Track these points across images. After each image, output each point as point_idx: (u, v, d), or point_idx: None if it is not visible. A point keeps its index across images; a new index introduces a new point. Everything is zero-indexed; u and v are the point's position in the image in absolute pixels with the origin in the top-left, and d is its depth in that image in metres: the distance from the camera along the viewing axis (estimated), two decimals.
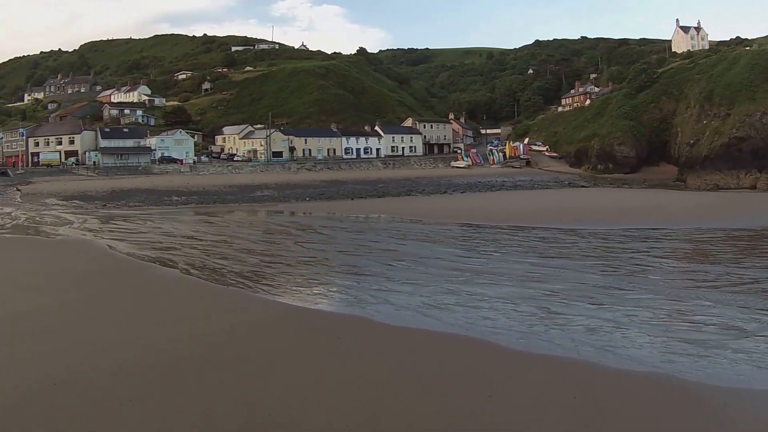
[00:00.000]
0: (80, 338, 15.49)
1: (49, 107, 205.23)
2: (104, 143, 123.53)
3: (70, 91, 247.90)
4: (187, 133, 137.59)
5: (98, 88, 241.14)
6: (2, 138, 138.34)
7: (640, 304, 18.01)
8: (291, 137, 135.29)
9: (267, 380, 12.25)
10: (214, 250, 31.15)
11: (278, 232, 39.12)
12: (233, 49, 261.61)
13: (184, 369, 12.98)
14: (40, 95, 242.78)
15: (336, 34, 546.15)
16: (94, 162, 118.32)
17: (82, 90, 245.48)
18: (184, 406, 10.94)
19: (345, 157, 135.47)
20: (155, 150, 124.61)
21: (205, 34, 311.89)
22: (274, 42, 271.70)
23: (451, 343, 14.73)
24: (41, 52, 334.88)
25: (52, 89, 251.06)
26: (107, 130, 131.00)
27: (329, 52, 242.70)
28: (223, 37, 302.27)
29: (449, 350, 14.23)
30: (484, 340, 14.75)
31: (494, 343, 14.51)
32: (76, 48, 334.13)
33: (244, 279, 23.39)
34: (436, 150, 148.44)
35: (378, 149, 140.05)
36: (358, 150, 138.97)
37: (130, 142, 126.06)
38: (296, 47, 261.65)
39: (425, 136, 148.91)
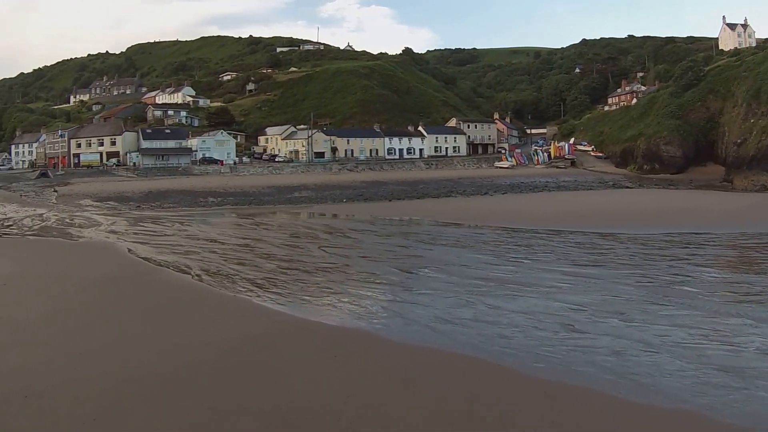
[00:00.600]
0: (66, 349, 14.86)
1: (94, 109, 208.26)
2: (145, 144, 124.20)
3: (115, 93, 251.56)
4: (228, 134, 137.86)
5: (144, 89, 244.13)
6: (45, 139, 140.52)
7: (674, 321, 16.22)
8: (333, 138, 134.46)
9: (235, 402, 11.11)
10: (234, 254, 30.09)
11: (305, 236, 37.93)
12: (278, 50, 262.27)
13: (152, 386, 12.18)
14: (85, 97, 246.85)
15: (384, 35, 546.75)
16: (134, 163, 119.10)
17: (128, 92, 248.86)
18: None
19: (387, 157, 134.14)
20: (196, 151, 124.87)
21: (251, 36, 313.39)
22: (319, 43, 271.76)
23: (457, 365, 13.31)
24: (88, 55, 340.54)
25: (98, 91, 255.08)
26: (149, 131, 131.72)
27: (375, 53, 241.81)
28: (269, 38, 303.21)
29: (453, 373, 12.83)
30: (494, 364, 13.26)
31: (505, 367, 13.01)
32: (123, 50, 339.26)
33: (255, 287, 22.30)
34: (480, 150, 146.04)
35: (421, 149, 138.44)
36: (400, 150, 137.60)
37: (171, 143, 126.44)
38: (342, 48, 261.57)
39: (469, 136, 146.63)
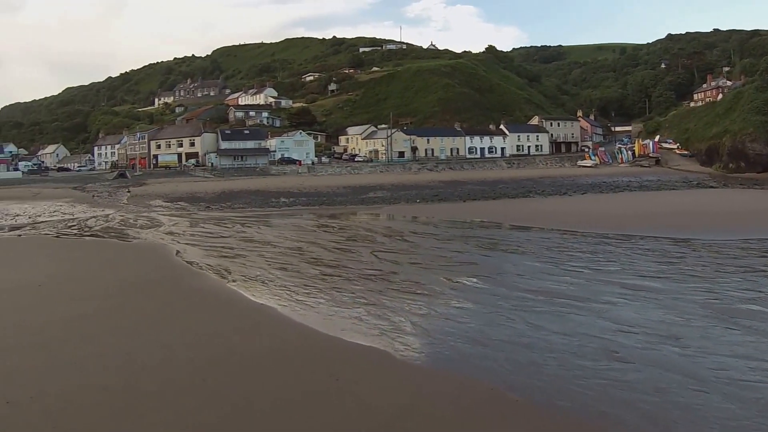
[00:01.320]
0: (60, 357, 14.48)
1: (176, 111, 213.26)
2: (224, 145, 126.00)
3: (199, 95, 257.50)
4: (308, 134, 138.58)
5: (227, 91, 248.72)
6: (126, 141, 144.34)
7: (736, 350, 13.93)
8: (413, 137, 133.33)
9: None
10: (281, 258, 29.04)
11: (362, 239, 36.52)
12: (361, 50, 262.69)
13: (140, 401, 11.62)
14: (169, 99, 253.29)
15: (469, 34, 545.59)
16: (212, 164, 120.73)
17: (212, 93, 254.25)
18: None
19: (468, 156, 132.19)
20: (275, 151, 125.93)
21: (334, 36, 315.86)
22: (402, 42, 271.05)
23: (471, 395, 11.66)
24: (174, 59, 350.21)
25: (182, 93, 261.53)
26: (228, 132, 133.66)
27: (459, 51, 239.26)
28: (352, 38, 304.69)
29: (466, 404, 11.20)
30: (511, 398, 11.49)
31: (521, 402, 11.25)
32: (209, 53, 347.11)
33: (288, 294, 21.31)
34: (563, 149, 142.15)
35: (503, 148, 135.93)
36: (482, 149, 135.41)
37: (250, 144, 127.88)
38: (425, 47, 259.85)
39: (552, 135, 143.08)
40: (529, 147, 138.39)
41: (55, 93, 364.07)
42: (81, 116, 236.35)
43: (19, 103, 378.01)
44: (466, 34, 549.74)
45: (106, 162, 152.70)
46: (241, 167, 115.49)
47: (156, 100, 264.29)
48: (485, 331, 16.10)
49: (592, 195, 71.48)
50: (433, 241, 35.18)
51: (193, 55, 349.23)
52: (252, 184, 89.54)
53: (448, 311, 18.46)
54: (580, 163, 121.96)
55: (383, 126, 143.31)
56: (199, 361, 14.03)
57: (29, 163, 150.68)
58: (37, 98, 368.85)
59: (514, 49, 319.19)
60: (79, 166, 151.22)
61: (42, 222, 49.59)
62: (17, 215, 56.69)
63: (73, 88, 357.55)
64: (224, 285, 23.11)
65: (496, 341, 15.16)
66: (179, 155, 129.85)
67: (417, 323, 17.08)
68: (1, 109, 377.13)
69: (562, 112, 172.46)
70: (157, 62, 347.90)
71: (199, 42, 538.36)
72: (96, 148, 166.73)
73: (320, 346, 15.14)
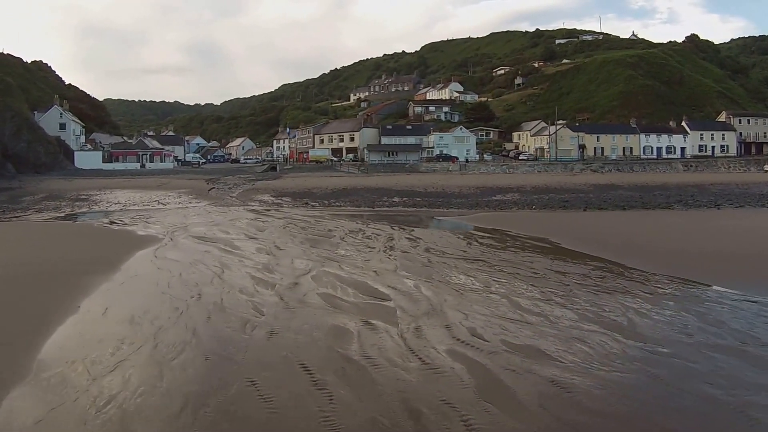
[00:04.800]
0: None
1: (362, 105, 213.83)
2: (384, 140, 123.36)
3: (393, 90, 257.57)
4: (482, 130, 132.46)
5: (421, 86, 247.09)
6: (295, 136, 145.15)
7: None
8: (581, 134, 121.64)
9: None
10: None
11: (384, 253, 28.32)
12: (556, 42, 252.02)
13: None
14: (365, 94, 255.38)
15: (693, 25, 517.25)
16: (362, 159, 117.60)
17: (405, 88, 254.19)
18: None
19: (643, 157, 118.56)
20: (433, 148, 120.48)
21: (537, 29, 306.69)
22: (599, 33, 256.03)
23: None
24: (384, 55, 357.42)
25: (376, 89, 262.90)
26: (389, 127, 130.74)
27: (665, 42, 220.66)
28: (553, 30, 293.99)
29: None
30: None
31: None
32: (417, 49, 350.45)
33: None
34: (753, 150, 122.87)
35: (683, 148, 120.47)
36: (658, 149, 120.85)
37: (411, 139, 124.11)
38: (623, 37, 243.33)
39: (741, 133, 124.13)
40: (713, 147, 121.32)
41: (272, 89, 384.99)
42: (275, 111, 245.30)
43: (238, 99, 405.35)
44: (687, 25, 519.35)
45: (283, 155, 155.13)
46: (391, 163, 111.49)
47: (351, 95, 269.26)
48: None
49: (749, 210, 53.97)
50: (465, 265, 25.89)
51: (403, 51, 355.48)
52: (385, 181, 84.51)
53: None
54: (766, 167, 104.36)
55: (561, 122, 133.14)
56: None
57: (196, 155, 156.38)
58: (256, 94, 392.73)
59: (732, 39, 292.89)
60: (245, 159, 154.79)
61: (123, 210, 49.43)
62: (116, 203, 56.89)
63: (288, 84, 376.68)
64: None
65: None
66: (340, 150, 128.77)
67: None
68: (222, 104, 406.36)
69: (762, 108, 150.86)
70: (367, 59, 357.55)
71: (413, 37, 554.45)
72: (275, 142, 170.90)
73: None
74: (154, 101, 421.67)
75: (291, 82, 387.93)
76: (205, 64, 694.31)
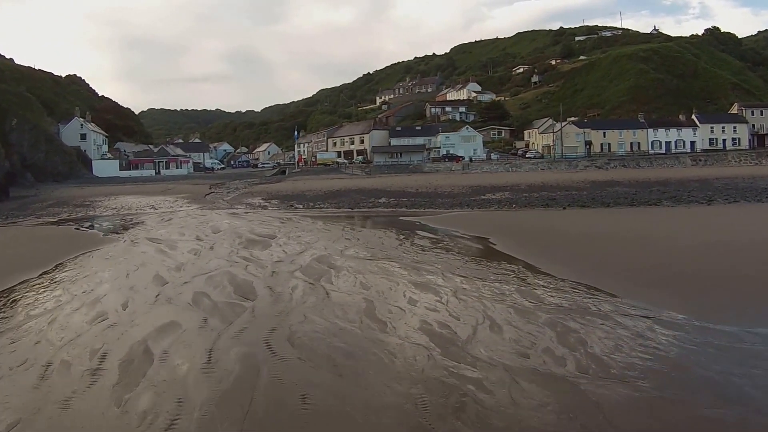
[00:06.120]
0: None
1: (383, 108, 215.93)
2: (393, 141, 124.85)
3: (416, 92, 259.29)
4: (493, 129, 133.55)
5: (444, 87, 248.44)
6: (297, 139, 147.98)
7: None
8: (586, 130, 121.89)
9: None
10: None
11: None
12: (576, 39, 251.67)
13: None
14: (390, 97, 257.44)
15: (724, 19, 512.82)
16: (370, 161, 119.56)
17: (428, 90, 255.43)
18: None
19: (651, 152, 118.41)
20: (440, 148, 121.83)
21: (561, 27, 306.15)
22: (618, 28, 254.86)
23: None
24: (415, 57, 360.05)
25: (400, 91, 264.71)
26: (398, 129, 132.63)
27: (689, 35, 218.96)
28: (575, 28, 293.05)
29: None
30: None
31: None
32: (447, 51, 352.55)
33: None
34: (766, 142, 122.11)
35: (692, 142, 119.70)
36: (667, 144, 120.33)
37: (419, 140, 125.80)
38: (644, 32, 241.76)
39: (753, 126, 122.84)
40: (724, 140, 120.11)
41: (310, 95, 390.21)
42: (303, 116, 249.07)
43: (278, 105, 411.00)
44: (719, 19, 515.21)
45: (313, 159, 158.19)
46: (395, 164, 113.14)
47: (377, 98, 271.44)
48: None
49: (741, 206, 51.55)
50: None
51: (433, 53, 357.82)
52: (383, 182, 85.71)
53: None
54: None
55: (573, 118, 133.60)
56: None
57: (216, 161, 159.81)
58: (295, 100, 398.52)
59: (759, 32, 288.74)
60: (262, 163, 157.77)
61: (115, 215, 52.02)
62: (112, 208, 59.27)
63: (325, 89, 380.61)
64: None
65: None
66: (351, 152, 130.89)
67: None
68: (262, 110, 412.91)
69: None
70: (399, 62, 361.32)
71: (450, 39, 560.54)
72: (296, 146, 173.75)
73: None
74: (196, 110, 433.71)
75: (328, 87, 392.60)
76: (246, 71, 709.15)
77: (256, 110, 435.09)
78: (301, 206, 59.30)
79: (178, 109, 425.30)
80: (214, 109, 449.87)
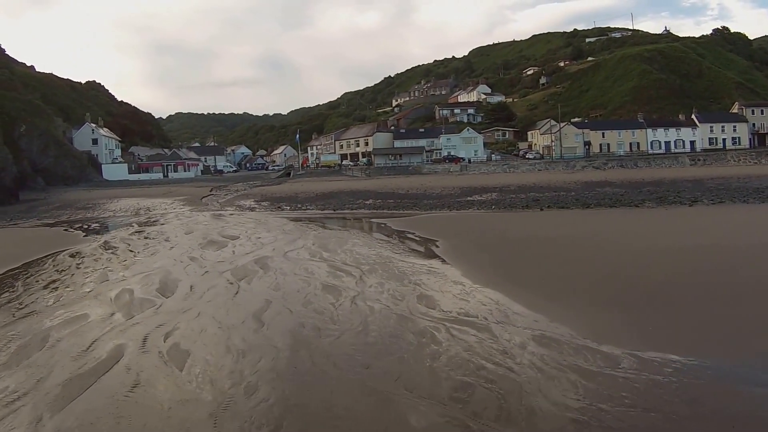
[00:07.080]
0: None
1: (395, 111, 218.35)
2: (397, 143, 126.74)
3: (430, 94, 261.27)
4: (498, 130, 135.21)
5: (457, 89, 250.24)
6: (321, 143, 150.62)
7: None
8: (585, 131, 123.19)
9: None
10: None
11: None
12: (587, 40, 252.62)
13: None
14: (404, 100, 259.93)
15: (742, 20, 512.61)
16: (369, 163, 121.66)
17: (442, 92, 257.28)
18: None
19: (651, 152, 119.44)
20: (441, 149, 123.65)
21: (574, 29, 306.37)
22: (628, 30, 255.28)
23: None
24: (434, 61, 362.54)
25: (415, 94, 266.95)
26: (402, 131, 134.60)
27: (698, 36, 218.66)
28: (587, 30, 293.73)
29: None
30: None
31: None
32: (465, 54, 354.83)
33: None
34: (767, 141, 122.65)
35: (692, 142, 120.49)
36: (666, 143, 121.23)
37: (422, 142, 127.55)
38: (655, 33, 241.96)
39: (753, 125, 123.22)
40: (724, 140, 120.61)
41: (335, 98, 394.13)
42: (320, 119, 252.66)
43: (304, 108, 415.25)
44: (737, 20, 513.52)
45: (317, 161, 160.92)
46: (395, 166, 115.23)
47: (393, 101, 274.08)
48: None
49: (728, 206, 49.69)
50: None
51: (453, 56, 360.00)
52: (378, 184, 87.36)
53: None
54: None
55: (576, 119, 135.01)
56: None
57: (227, 164, 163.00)
58: (321, 103, 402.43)
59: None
60: (273, 166, 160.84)
61: (111, 217, 54.35)
62: (111, 211, 61.89)
63: (348, 92, 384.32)
64: None
65: None
66: (356, 154, 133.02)
67: None
68: (289, 113, 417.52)
69: None
70: (418, 65, 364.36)
71: (473, 42, 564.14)
72: (309, 148, 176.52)
73: None
74: (224, 113, 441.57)
75: (353, 90, 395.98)
76: (274, 75, 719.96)
77: (283, 113, 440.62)
78: (288, 208, 61.31)
79: (206, 113, 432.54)
80: (241, 112, 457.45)
